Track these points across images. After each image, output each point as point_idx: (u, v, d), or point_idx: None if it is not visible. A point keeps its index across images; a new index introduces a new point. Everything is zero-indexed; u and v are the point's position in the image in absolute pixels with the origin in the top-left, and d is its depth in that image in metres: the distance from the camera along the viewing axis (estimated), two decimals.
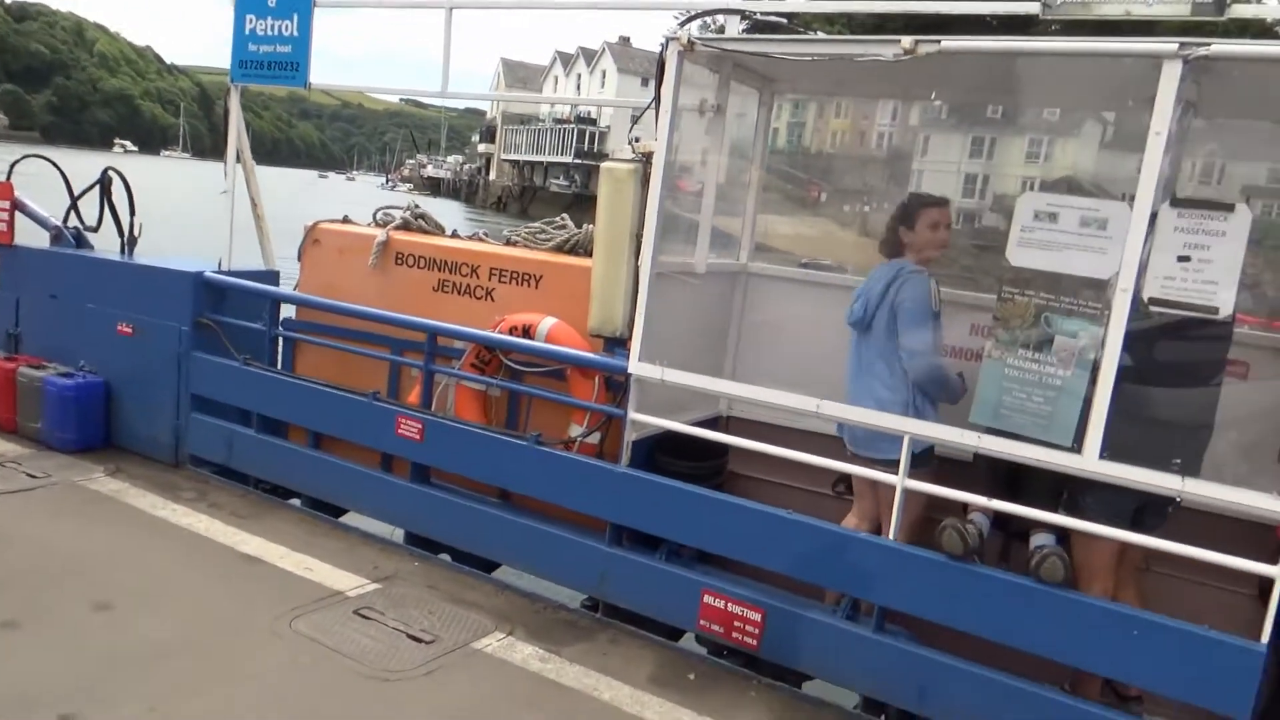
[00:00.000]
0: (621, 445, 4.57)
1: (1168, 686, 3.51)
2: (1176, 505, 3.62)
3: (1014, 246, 3.56)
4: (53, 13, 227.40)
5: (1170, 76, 3.15)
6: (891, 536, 3.96)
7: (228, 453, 5.97)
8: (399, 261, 5.78)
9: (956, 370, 4.28)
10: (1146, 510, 3.66)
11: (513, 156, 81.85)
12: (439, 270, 5.64)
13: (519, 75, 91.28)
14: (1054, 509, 3.76)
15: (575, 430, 4.95)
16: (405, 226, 5.91)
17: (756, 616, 4.23)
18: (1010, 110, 4.86)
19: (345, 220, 6.25)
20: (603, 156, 4.65)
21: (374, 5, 6.49)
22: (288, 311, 6.19)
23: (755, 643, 4.24)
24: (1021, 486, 3.95)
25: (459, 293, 5.58)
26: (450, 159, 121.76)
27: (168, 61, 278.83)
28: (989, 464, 3.97)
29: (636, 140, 4.59)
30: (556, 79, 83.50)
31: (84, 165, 7.94)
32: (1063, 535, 3.84)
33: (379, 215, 6.06)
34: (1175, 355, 3.52)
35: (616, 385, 4.76)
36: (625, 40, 78.72)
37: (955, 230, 4.34)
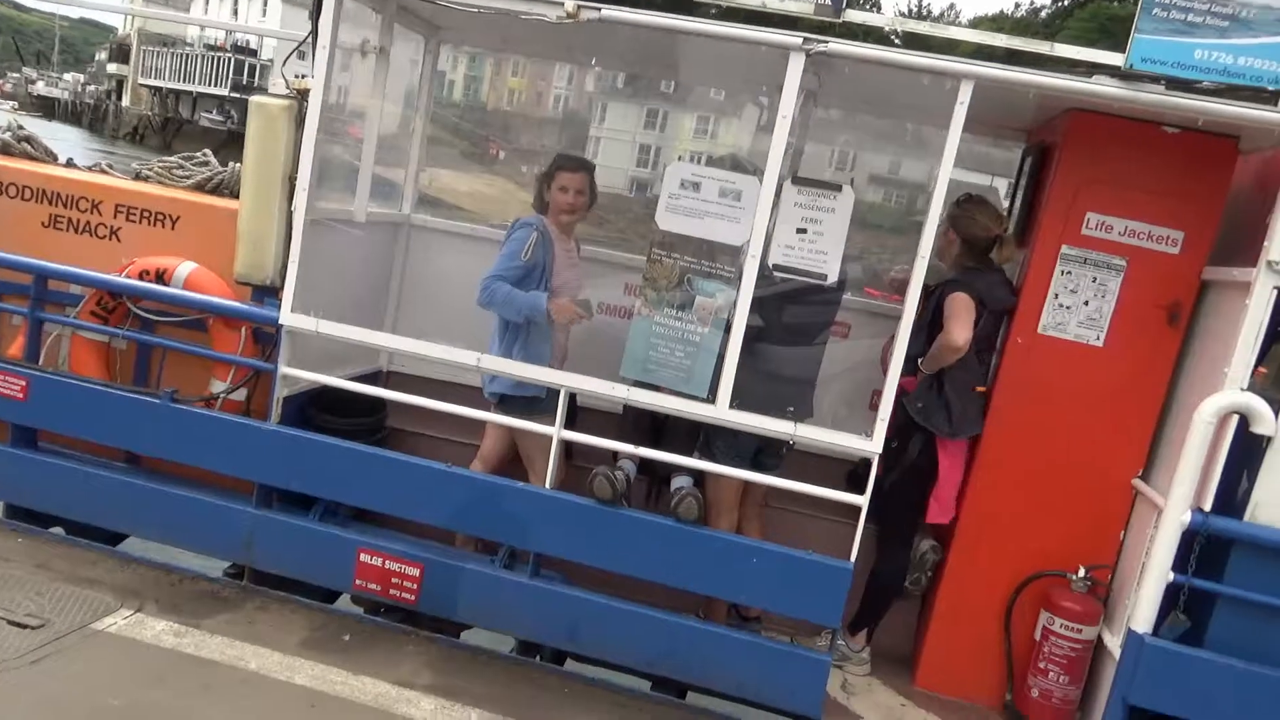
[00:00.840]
0: (271, 402, 4.30)
1: (779, 605, 4.02)
2: (790, 447, 4.14)
3: (662, 212, 3.81)
4: None
5: (795, 67, 3.53)
6: (548, 486, 4.12)
7: None
8: None
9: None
10: (765, 452, 4.14)
11: (153, 82, 71.32)
12: (50, 203, 4.87)
13: None
14: (692, 454, 4.12)
15: (218, 386, 4.56)
16: (5, 150, 5.04)
17: (415, 572, 4.21)
18: (681, 87, 5.14)
19: None
20: (263, 92, 4.30)
21: None
22: None
23: (414, 598, 4.22)
24: (665, 434, 4.29)
25: (76, 230, 4.87)
26: (68, 76, 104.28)
27: None
28: (636, 414, 4.25)
29: (301, 76, 4.27)
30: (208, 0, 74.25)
31: None
32: (699, 478, 4.23)
33: None
34: (792, 317, 3.99)
35: (266, 337, 4.46)
36: None
37: (629, 197, 4.54)
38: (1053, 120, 4.21)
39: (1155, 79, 3.37)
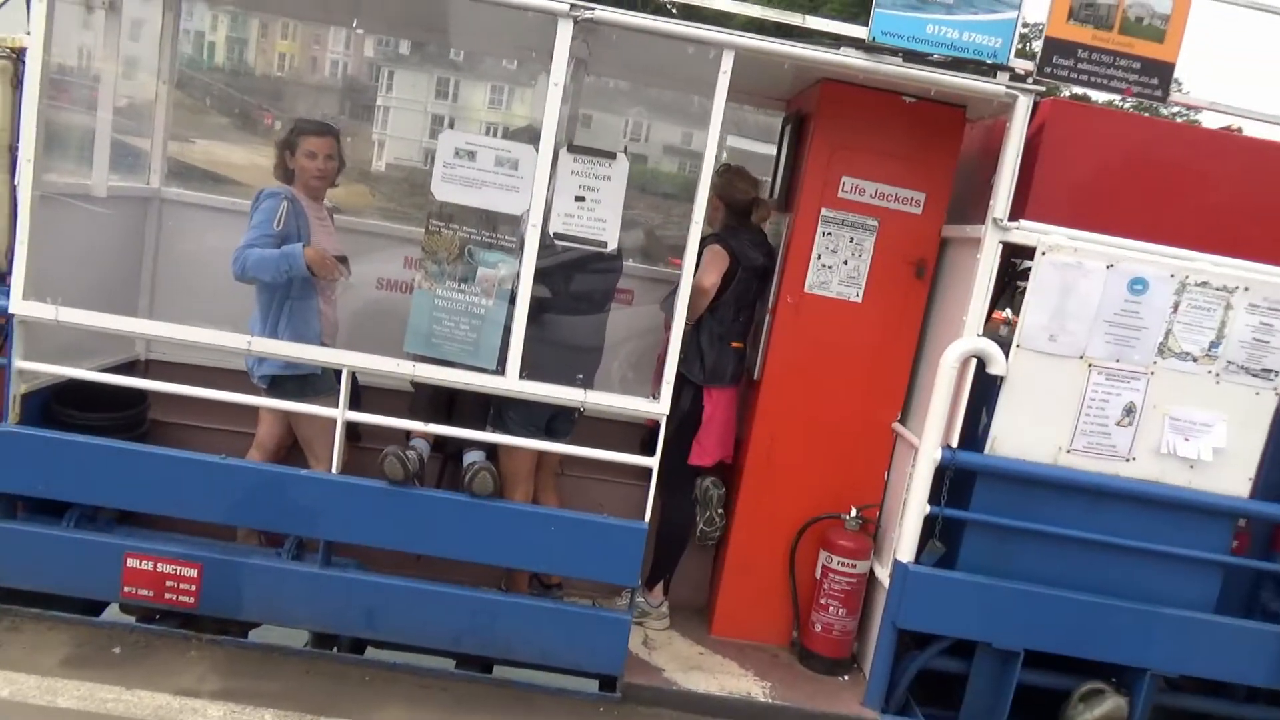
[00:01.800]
0: (6, 400, 3.85)
1: (578, 570, 4.09)
2: (581, 414, 4.20)
3: (438, 182, 3.71)
4: None
5: (564, 33, 3.53)
6: (334, 470, 3.96)
7: None
8: None
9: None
10: (558, 419, 4.17)
11: None
12: None
13: None
14: (484, 427, 4.09)
15: None
16: None
17: (193, 573, 3.94)
18: (472, 55, 4.97)
19: None
20: None
21: None
22: None
23: (193, 600, 3.95)
24: (456, 409, 4.23)
25: None
26: None
27: None
28: (429, 391, 4.16)
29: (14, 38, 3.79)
30: None
31: None
32: (492, 451, 4.20)
33: None
34: (577, 286, 4.02)
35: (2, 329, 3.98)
36: None
37: (424, 170, 4.35)
38: (808, 90, 4.46)
39: (894, 52, 3.65)
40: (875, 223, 4.26)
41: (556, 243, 3.78)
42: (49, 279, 3.79)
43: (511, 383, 3.81)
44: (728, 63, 3.60)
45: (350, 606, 3.99)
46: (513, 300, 3.76)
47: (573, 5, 3.49)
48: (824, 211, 4.24)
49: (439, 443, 4.33)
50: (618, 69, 4.79)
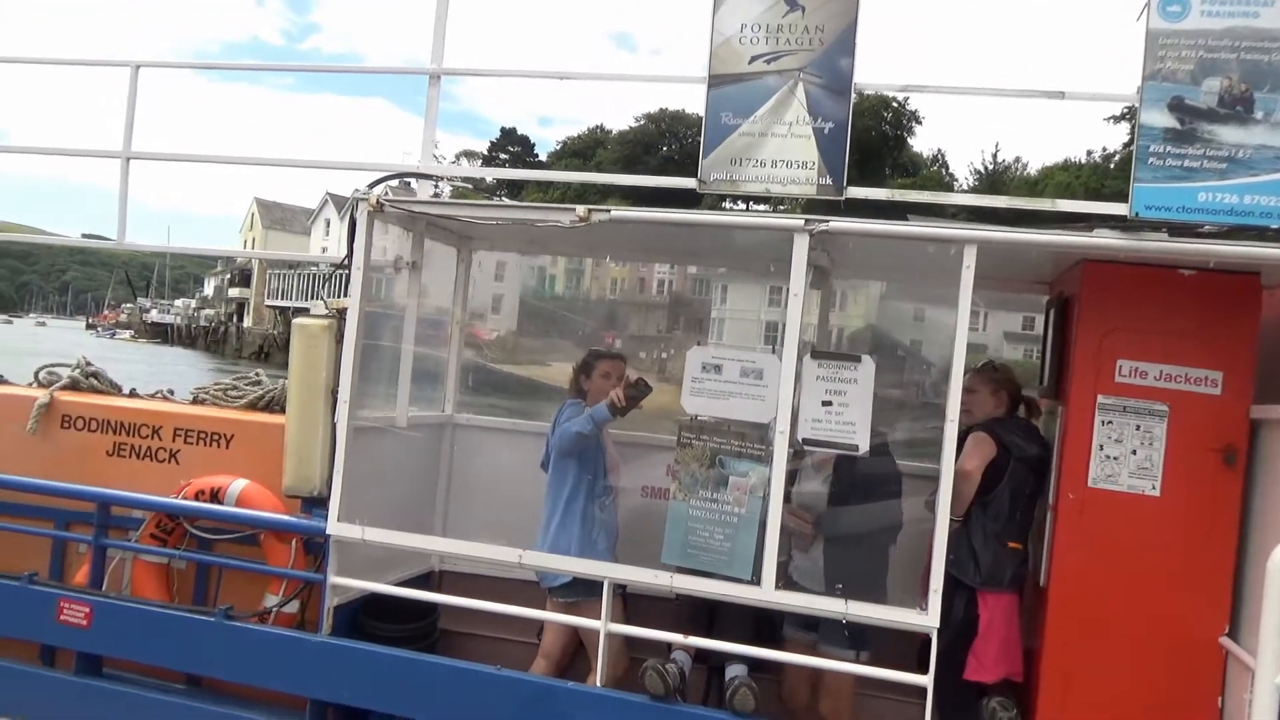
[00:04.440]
0: (321, 612, 4.31)
1: None
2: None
3: (686, 396, 3.86)
4: None
5: (800, 247, 3.63)
6: (599, 683, 3.99)
7: None
8: (66, 424, 5.22)
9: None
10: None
11: (281, 303, 74.26)
12: (114, 433, 5.14)
13: (275, 216, 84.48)
14: (747, 638, 3.98)
15: (271, 600, 4.61)
16: (74, 386, 5.38)
17: None
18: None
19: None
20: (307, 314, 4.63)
21: (42, 152, 6.04)
22: None
23: None
24: (717, 620, 4.17)
25: (138, 456, 5.10)
26: (179, 303, 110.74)
27: None
28: (689, 600, 4.15)
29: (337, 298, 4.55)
30: (329, 221, 77.33)
31: None
32: (755, 664, 4.06)
33: (42, 374, 5.47)
34: (864, 496, 3.99)
35: (317, 548, 4.52)
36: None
37: None
38: (1069, 271, 4.21)
39: (1158, 226, 3.38)
40: (1165, 407, 3.81)
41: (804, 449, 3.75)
42: (358, 502, 4.29)
43: (767, 593, 3.71)
44: (970, 257, 3.51)
45: None
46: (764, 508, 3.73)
47: (807, 220, 3.61)
48: (1100, 399, 3.87)
49: (702, 655, 4.26)
50: (862, 271, 4.83)
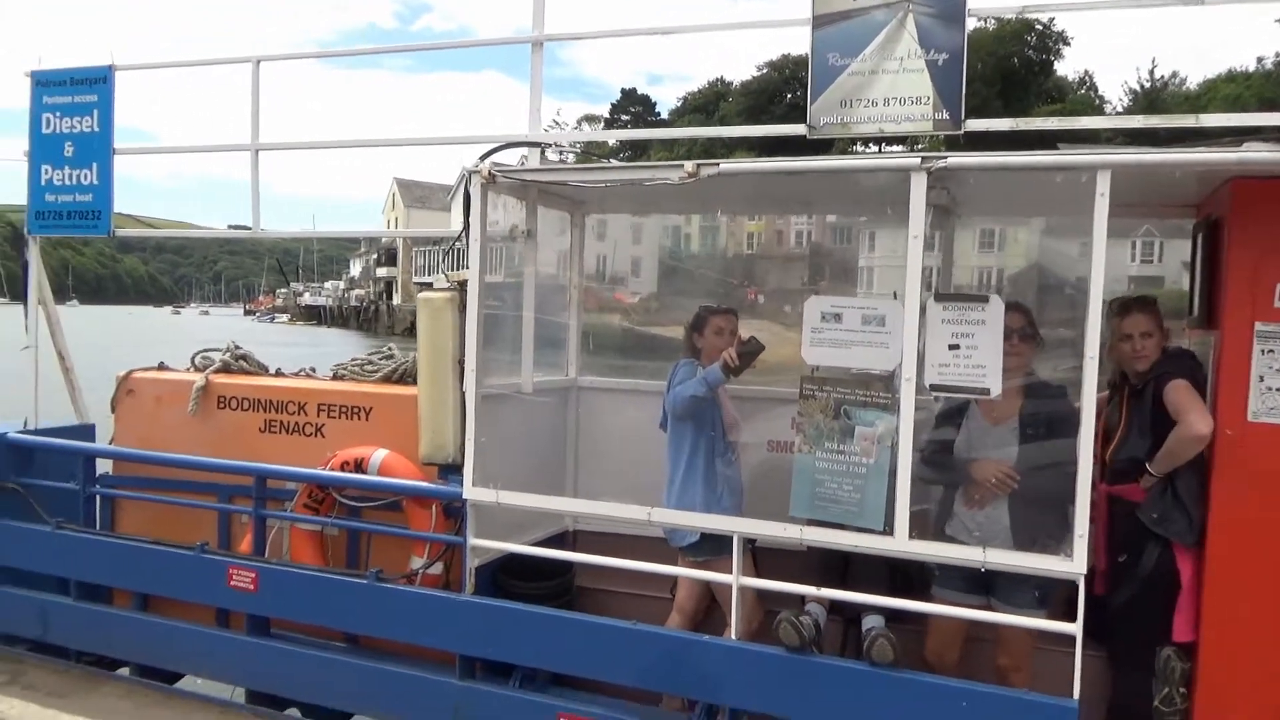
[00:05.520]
0: (464, 573, 4.50)
1: None
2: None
3: (807, 347, 3.79)
4: None
5: (919, 187, 3.48)
6: (733, 636, 4.03)
7: (43, 626, 5.51)
8: (222, 405, 5.59)
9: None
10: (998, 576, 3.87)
11: (428, 279, 77.00)
12: (265, 410, 5.48)
13: (415, 194, 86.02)
14: (882, 589, 3.92)
15: (417, 562, 4.84)
16: (226, 369, 5.75)
17: None
18: (960, 203, 4.95)
19: (161, 366, 6.03)
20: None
21: (176, 151, 6.43)
22: (105, 467, 5.86)
23: None
24: (851, 571, 4.12)
25: (287, 431, 5.43)
26: (328, 285, 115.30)
27: None
28: (820, 552, 4.12)
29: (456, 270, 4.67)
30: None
31: None
32: (892, 615, 4.01)
33: (197, 359, 5.87)
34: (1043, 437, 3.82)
35: (455, 512, 4.71)
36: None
37: None
38: (1217, 192, 3.89)
39: None
40: None
41: (932, 394, 3.64)
42: (491, 467, 4.44)
43: (900, 543, 3.64)
44: (1104, 184, 3.29)
45: None
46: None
47: (924, 158, 3.46)
48: (1259, 326, 3.58)
49: (836, 606, 4.23)
50: (986, 207, 4.61)
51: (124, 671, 5.43)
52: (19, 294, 5.96)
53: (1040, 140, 3.64)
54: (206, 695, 5.15)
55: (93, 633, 5.42)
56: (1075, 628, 3.48)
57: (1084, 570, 3.44)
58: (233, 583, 4.93)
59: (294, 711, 5.07)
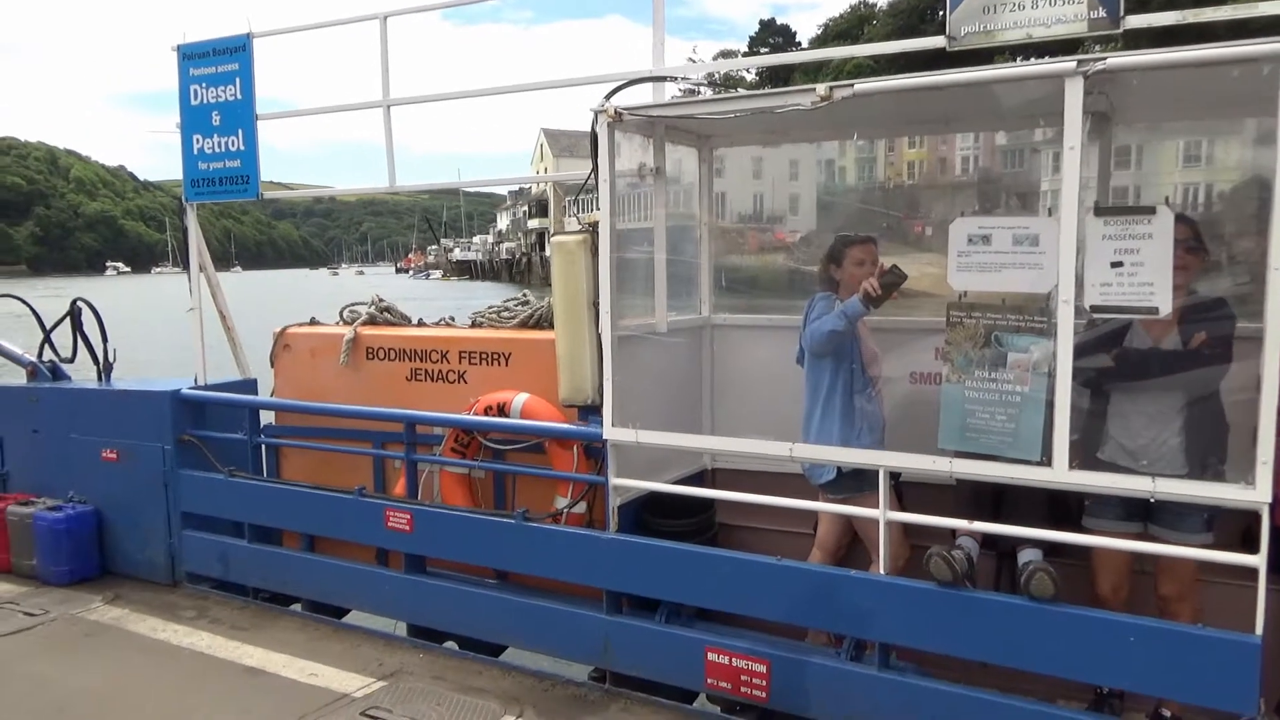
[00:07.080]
0: (607, 512, 4.58)
1: (1170, 689, 3.49)
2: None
3: (953, 272, 3.62)
4: (23, 144, 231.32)
5: (1074, 93, 3.23)
6: (881, 571, 3.96)
7: (224, 566, 5.97)
8: (370, 356, 5.84)
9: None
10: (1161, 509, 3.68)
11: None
12: (410, 360, 5.69)
13: (563, 144, 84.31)
14: (1039, 522, 3.77)
15: (561, 502, 4.96)
16: (372, 321, 5.98)
17: (762, 669, 4.19)
18: (1152, 116, 4.54)
19: (313, 322, 6.33)
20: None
21: (313, 113, 6.65)
22: (268, 418, 6.24)
23: (765, 695, 4.20)
24: (1004, 503, 3.97)
25: (432, 379, 5.62)
26: (476, 239, 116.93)
27: (142, 179, 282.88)
28: (970, 485, 3.98)
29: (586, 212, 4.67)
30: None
31: (80, 292, 8.02)
32: (1050, 549, 3.85)
33: (345, 313, 6.13)
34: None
35: (596, 452, 4.79)
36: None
37: None
38: None
39: None
40: None
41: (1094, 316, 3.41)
42: (629, 407, 4.47)
43: (1060, 474, 3.47)
44: None
45: (910, 712, 3.88)
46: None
47: (1079, 60, 3.20)
48: None
49: (990, 540, 4.10)
50: (1150, 113, 4.24)
51: (296, 607, 5.83)
52: (188, 262, 6.34)
53: (1199, 37, 3.29)
54: (372, 629, 5.46)
55: (267, 571, 5.83)
56: (1259, 559, 3.24)
57: (1268, 499, 3.19)
58: (390, 524, 5.18)
59: (451, 644, 5.31)
